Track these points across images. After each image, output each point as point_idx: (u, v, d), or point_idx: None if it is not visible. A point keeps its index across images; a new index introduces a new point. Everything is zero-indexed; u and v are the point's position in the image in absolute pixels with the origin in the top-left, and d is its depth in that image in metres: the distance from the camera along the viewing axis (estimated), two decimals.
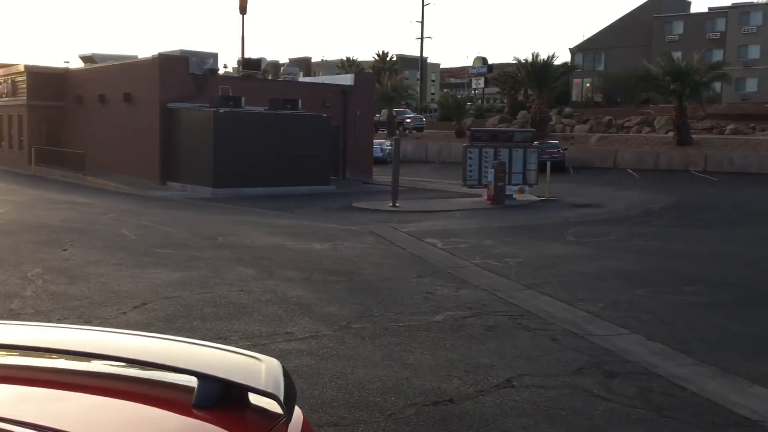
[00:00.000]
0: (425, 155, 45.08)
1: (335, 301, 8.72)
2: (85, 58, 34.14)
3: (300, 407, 1.93)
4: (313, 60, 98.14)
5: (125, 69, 29.79)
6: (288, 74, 33.73)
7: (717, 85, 48.18)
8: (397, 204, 21.07)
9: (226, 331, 7.18)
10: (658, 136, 41.64)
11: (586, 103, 59.32)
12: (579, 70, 62.75)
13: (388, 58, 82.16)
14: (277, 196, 23.60)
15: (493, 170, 22.56)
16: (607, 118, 47.90)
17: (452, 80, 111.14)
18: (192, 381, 1.86)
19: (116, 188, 26.01)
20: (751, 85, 60.35)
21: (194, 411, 1.75)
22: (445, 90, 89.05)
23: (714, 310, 8.85)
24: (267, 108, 26.63)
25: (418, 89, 70.49)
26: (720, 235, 15.94)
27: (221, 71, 31.33)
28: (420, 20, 65.37)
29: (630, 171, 36.02)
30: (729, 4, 65.43)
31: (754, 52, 60.82)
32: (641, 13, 67.82)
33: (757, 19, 61.48)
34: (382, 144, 40.86)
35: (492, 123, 50.04)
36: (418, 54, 68.98)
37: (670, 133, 39.73)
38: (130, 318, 7.55)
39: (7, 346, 2.05)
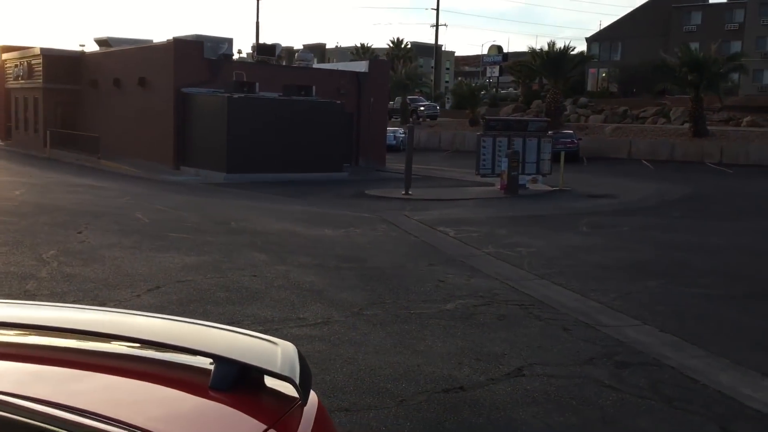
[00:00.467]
0: (438, 143, 44.94)
1: (347, 287, 8.75)
2: (101, 42, 34.20)
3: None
4: (327, 46, 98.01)
5: (140, 53, 29.84)
6: (302, 60, 33.64)
7: (734, 77, 47.63)
8: (410, 192, 21.05)
9: (239, 315, 7.22)
10: (674, 128, 41.27)
11: (601, 93, 58.84)
12: (595, 60, 62.23)
13: (402, 46, 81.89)
14: (289, 183, 23.64)
15: (506, 159, 22.47)
16: (622, 108, 47.49)
17: (467, 68, 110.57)
18: (208, 363, 1.87)
19: (130, 172, 26.14)
20: None
21: (211, 393, 1.76)
22: (460, 78, 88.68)
23: (727, 302, 8.80)
24: (281, 94, 26.61)
25: (432, 77, 70.22)
26: (734, 228, 15.82)
27: (236, 57, 31.28)
28: (435, 7, 65.04)
29: (644, 162, 35.76)
30: None
31: None
32: (659, 3, 67.03)
33: None
34: (395, 132, 40.76)
35: (506, 112, 49.78)
36: (433, 42, 68.66)
37: (686, 125, 39.38)
38: (143, 301, 7.61)
39: (23, 325, 2.07)
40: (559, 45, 47.38)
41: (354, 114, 31.07)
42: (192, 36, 28.27)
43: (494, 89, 66.55)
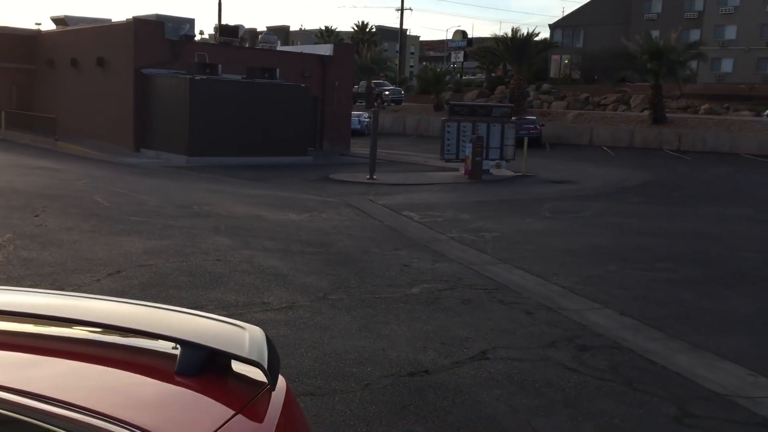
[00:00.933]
0: (403, 128, 44.93)
1: (312, 272, 8.72)
2: (57, 20, 33.30)
3: None
4: (291, 29, 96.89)
5: (99, 33, 29.14)
6: (266, 42, 33.22)
7: (693, 65, 48.46)
8: (375, 176, 21.03)
9: (202, 300, 7.14)
10: (634, 114, 41.93)
11: (564, 80, 59.44)
12: (558, 47, 62.71)
13: (367, 30, 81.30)
14: (253, 166, 23.41)
15: (470, 145, 22.60)
16: (584, 95, 48.08)
17: (432, 53, 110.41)
18: (174, 348, 1.83)
19: (88, 154, 25.58)
20: (727, 66, 60.82)
21: (177, 378, 1.73)
22: (425, 63, 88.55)
23: (685, 286, 9.00)
24: (244, 76, 26.28)
25: (397, 62, 70.02)
26: (692, 213, 16.18)
27: (198, 38, 30.78)
28: None
29: (605, 148, 36.28)
30: None
31: (730, 32, 61.16)
32: None
33: None
34: (360, 116, 40.60)
35: (470, 97, 49.98)
36: (398, 26, 68.43)
37: (646, 112, 40.03)
38: (104, 285, 7.47)
39: None
40: (524, 31, 47.67)
41: (318, 97, 30.86)
42: (152, 15, 27.69)
43: (459, 74, 66.72)
